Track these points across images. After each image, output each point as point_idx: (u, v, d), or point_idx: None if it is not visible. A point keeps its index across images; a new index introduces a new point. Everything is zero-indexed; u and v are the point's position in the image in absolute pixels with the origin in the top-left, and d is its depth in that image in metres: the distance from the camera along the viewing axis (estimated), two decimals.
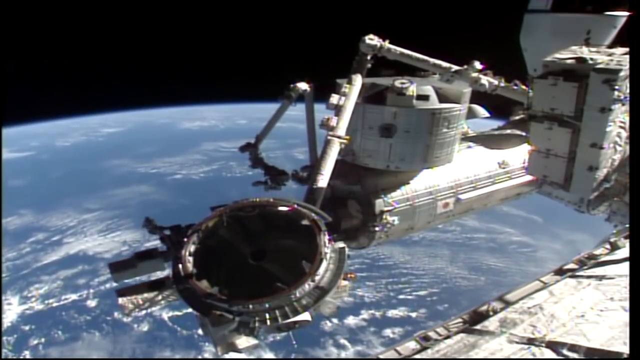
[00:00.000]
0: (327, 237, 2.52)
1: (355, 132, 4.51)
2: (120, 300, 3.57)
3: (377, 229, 4.69)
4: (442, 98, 4.51)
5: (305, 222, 2.64)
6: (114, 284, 3.58)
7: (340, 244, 2.65)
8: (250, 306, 2.20)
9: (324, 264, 2.38)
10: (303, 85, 5.06)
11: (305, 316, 2.30)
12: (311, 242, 2.53)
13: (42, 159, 77.22)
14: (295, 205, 2.74)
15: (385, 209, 4.70)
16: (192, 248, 2.57)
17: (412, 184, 4.99)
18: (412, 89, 4.30)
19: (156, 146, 78.98)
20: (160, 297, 3.62)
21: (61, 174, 67.47)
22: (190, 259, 2.54)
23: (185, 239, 2.64)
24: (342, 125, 3.94)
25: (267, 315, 2.23)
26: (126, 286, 3.73)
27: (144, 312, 3.59)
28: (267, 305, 2.20)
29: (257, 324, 2.23)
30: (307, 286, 2.27)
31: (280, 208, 2.74)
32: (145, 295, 3.62)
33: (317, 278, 2.31)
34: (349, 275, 2.81)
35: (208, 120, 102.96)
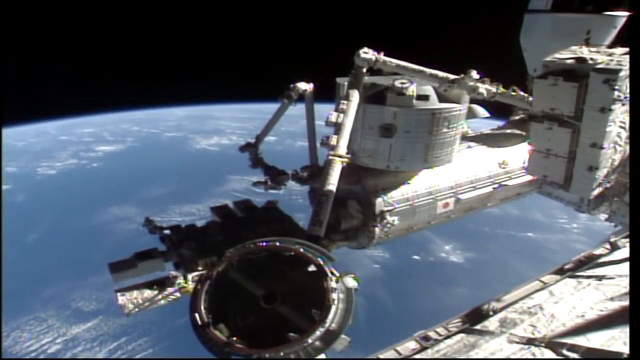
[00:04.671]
0: (334, 282, 2.62)
1: (355, 132, 4.52)
2: (121, 299, 3.58)
3: (377, 228, 4.70)
4: (442, 98, 4.51)
5: (311, 268, 2.74)
6: None
7: (350, 283, 2.71)
8: (267, 355, 2.37)
9: (333, 309, 2.51)
10: (303, 85, 5.06)
11: (319, 356, 2.46)
12: (319, 277, 2.67)
13: (17, 202, 51.83)
14: (301, 250, 2.85)
15: (385, 209, 4.71)
16: (205, 295, 2.69)
17: (412, 184, 4.99)
18: (412, 89, 4.31)
19: (169, 184, 54.13)
20: (160, 297, 3.64)
21: (41, 236, 43.92)
22: (204, 304, 2.65)
23: (199, 287, 2.75)
24: (342, 144, 3.93)
25: None
26: (126, 285, 3.74)
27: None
28: (282, 354, 2.38)
29: None
30: (318, 332, 2.43)
31: (286, 253, 2.88)
32: (146, 294, 3.63)
33: (326, 324, 2.45)
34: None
35: (227, 134, 76.50)
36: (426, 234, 40.07)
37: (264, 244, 2.95)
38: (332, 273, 2.68)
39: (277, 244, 2.94)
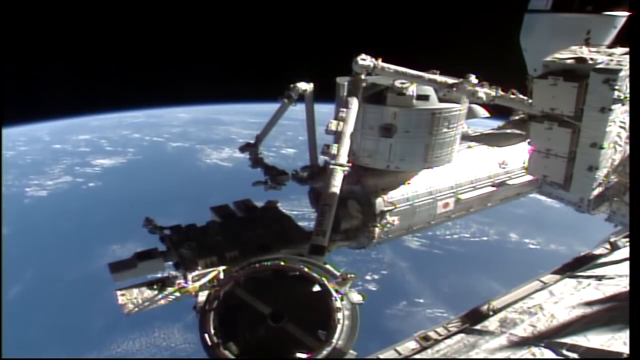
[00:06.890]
0: (339, 301, 2.68)
1: (355, 132, 4.51)
2: (121, 299, 3.58)
3: (377, 228, 4.70)
4: (442, 98, 4.51)
5: (316, 288, 2.80)
6: None
7: (355, 298, 2.75)
8: None
9: (339, 328, 2.57)
10: (303, 85, 5.06)
11: None
12: (325, 296, 2.72)
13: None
14: (305, 269, 2.92)
15: (386, 209, 4.71)
16: (214, 316, 2.76)
17: (412, 184, 4.99)
18: (412, 89, 4.30)
19: (179, 214, 26.80)
20: (160, 297, 3.64)
21: (25, 289, 35.16)
22: (214, 322, 2.70)
23: (207, 306, 2.81)
24: (343, 152, 3.92)
25: None
26: (126, 285, 3.74)
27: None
28: None
29: None
30: (325, 351, 2.49)
31: (291, 273, 2.95)
32: (146, 294, 3.63)
33: (333, 342, 2.51)
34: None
35: (239, 145, 31.34)
36: (491, 283, 33.75)
37: (269, 263, 2.99)
38: (336, 291, 2.73)
39: (281, 263, 2.99)
